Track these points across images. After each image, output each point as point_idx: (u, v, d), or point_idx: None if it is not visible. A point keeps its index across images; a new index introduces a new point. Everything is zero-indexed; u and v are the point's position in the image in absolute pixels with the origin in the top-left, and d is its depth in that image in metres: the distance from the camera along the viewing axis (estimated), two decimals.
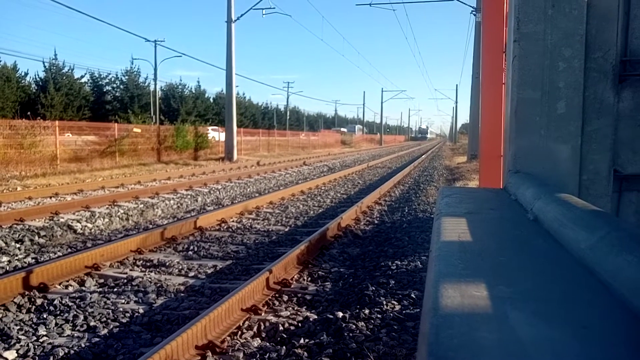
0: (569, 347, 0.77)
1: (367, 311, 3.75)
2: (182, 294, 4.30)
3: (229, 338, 3.32)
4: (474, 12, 21.23)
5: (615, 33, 2.66)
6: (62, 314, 3.76)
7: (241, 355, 3.06)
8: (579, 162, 2.67)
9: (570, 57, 2.61)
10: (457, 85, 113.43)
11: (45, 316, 3.73)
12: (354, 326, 3.46)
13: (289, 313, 3.82)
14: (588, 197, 2.65)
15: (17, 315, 3.77)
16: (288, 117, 66.97)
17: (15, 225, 7.00)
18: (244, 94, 62.19)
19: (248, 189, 12.54)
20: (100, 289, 4.42)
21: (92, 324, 3.58)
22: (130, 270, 5.04)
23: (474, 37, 23.80)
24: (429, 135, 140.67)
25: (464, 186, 12.15)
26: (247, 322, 3.59)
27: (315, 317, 3.71)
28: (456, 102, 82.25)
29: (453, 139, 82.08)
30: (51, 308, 3.90)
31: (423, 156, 30.96)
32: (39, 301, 4.03)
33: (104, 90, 42.02)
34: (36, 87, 35.94)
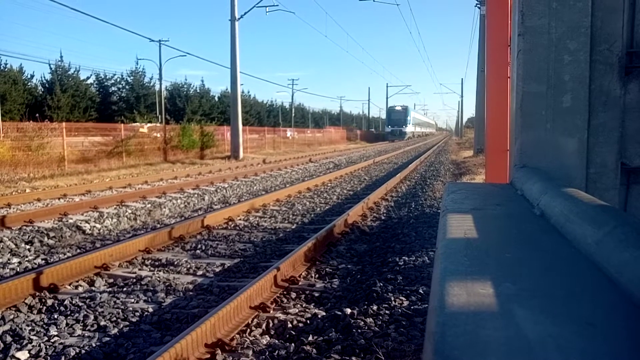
0: (575, 344, 0.77)
1: (375, 307, 3.76)
2: (190, 293, 4.33)
3: (238, 336, 3.34)
4: (478, 5, 21.11)
5: (621, 25, 2.64)
6: (72, 314, 3.80)
7: (250, 352, 3.08)
8: (585, 156, 2.65)
9: (575, 50, 2.59)
10: (462, 79, 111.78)
11: (56, 316, 3.77)
12: (362, 322, 3.47)
13: (297, 310, 3.84)
14: (595, 190, 2.63)
15: (28, 316, 3.81)
16: (293, 115, 66.97)
17: (24, 227, 7.07)
18: (248, 92, 61.99)
19: (254, 187, 12.57)
20: (110, 289, 4.46)
21: (102, 323, 3.62)
22: (139, 269, 5.08)
23: (479, 31, 23.68)
24: (409, 129, 64.71)
25: (470, 181, 12.11)
26: (255, 320, 3.61)
27: (324, 313, 3.73)
28: (462, 96, 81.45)
29: (459, 133, 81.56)
30: (62, 308, 3.94)
31: (429, 151, 30.87)
32: (49, 302, 4.08)
33: (110, 91, 42.13)
34: (43, 89, 36.11)
